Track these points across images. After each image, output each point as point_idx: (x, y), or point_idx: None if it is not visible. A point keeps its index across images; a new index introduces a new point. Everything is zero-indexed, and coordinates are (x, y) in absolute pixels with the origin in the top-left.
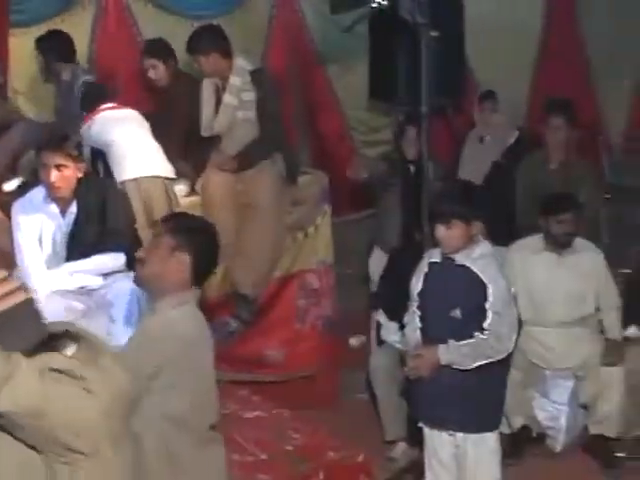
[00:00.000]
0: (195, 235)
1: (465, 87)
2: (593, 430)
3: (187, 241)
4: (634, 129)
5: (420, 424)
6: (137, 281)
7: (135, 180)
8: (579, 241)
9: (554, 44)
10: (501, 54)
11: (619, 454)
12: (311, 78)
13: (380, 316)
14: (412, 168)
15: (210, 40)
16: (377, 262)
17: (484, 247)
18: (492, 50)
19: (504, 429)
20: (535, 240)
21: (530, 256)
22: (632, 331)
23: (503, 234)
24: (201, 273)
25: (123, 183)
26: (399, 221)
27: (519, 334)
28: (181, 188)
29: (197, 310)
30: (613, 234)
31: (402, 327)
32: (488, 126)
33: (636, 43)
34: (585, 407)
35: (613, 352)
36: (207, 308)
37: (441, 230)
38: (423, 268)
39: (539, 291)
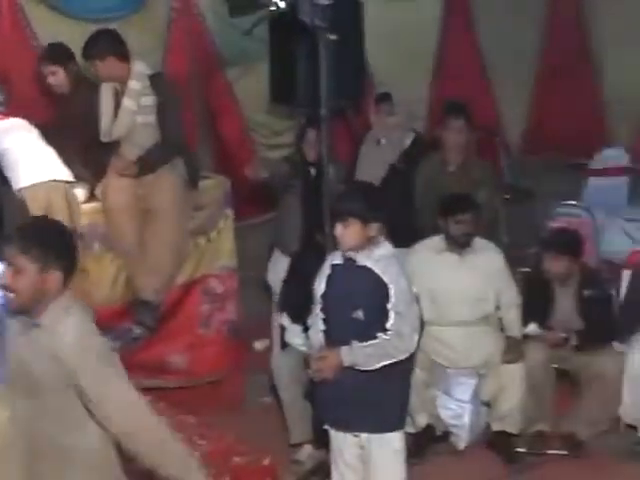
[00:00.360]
0: (54, 248)
1: (364, 89)
2: (495, 427)
3: (51, 258)
4: (532, 130)
5: (325, 426)
6: (9, 310)
7: (33, 186)
8: (479, 241)
9: (451, 46)
10: (400, 56)
11: (520, 449)
12: (211, 82)
13: (284, 319)
14: (312, 170)
15: (106, 44)
16: (277, 265)
17: (385, 248)
18: (391, 52)
19: (409, 428)
20: (436, 241)
21: (431, 256)
22: (531, 328)
23: (404, 236)
24: (70, 274)
25: (20, 191)
26: (299, 223)
27: (421, 334)
28: (79, 193)
29: (84, 305)
30: (512, 234)
31: (306, 330)
32: (384, 129)
33: (534, 44)
34: (488, 404)
35: (513, 350)
36: (110, 315)
37: (339, 228)
38: (326, 270)
39: (440, 291)
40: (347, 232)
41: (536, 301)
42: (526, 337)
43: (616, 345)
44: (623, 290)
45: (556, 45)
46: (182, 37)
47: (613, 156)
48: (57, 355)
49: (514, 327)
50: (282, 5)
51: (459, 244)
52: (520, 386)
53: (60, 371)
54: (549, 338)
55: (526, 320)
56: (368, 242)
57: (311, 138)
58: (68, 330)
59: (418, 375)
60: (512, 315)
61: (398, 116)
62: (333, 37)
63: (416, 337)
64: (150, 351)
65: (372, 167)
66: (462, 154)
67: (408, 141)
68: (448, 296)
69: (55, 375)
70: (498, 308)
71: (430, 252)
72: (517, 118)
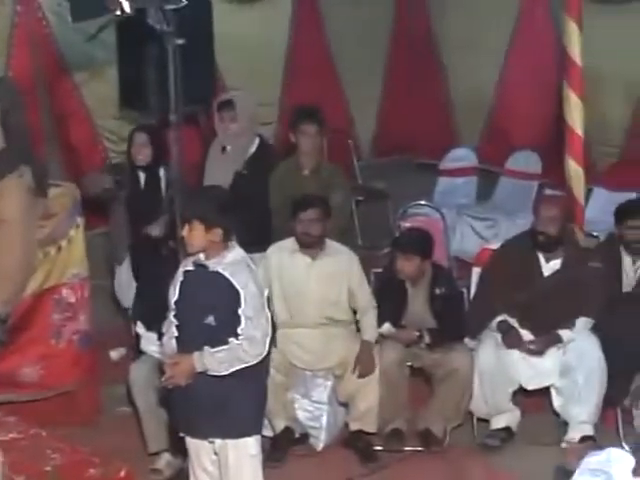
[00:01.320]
0: None
1: (214, 93)
2: (353, 426)
3: None
4: (383, 131)
5: (181, 433)
6: None
7: None
8: (332, 244)
9: (302, 49)
10: (250, 59)
11: (378, 447)
12: (58, 87)
13: (138, 327)
14: (142, 175)
15: None
16: (120, 277)
17: (235, 253)
18: (241, 55)
19: (267, 432)
20: (290, 242)
21: (285, 258)
22: (385, 328)
23: (259, 239)
24: None
25: None
26: (126, 232)
27: (274, 337)
28: None
29: None
30: (366, 235)
31: (161, 337)
32: (228, 136)
33: (382, 48)
34: (345, 405)
35: (365, 357)
36: None
37: (185, 231)
38: (179, 277)
39: (293, 293)
40: (191, 235)
41: (389, 301)
42: (381, 336)
43: (467, 341)
44: (473, 287)
45: (403, 49)
46: (26, 41)
47: (461, 156)
48: None
49: (369, 331)
50: (128, 10)
51: (303, 244)
52: (376, 386)
53: None
54: (402, 337)
55: (380, 320)
56: (216, 247)
57: (139, 141)
58: None
59: (276, 378)
60: (367, 319)
61: (241, 122)
62: (180, 42)
63: (267, 341)
64: (2, 365)
65: (219, 174)
66: (315, 158)
67: (253, 147)
68: (301, 298)
69: None
70: (354, 311)
71: (283, 254)
72: (368, 120)
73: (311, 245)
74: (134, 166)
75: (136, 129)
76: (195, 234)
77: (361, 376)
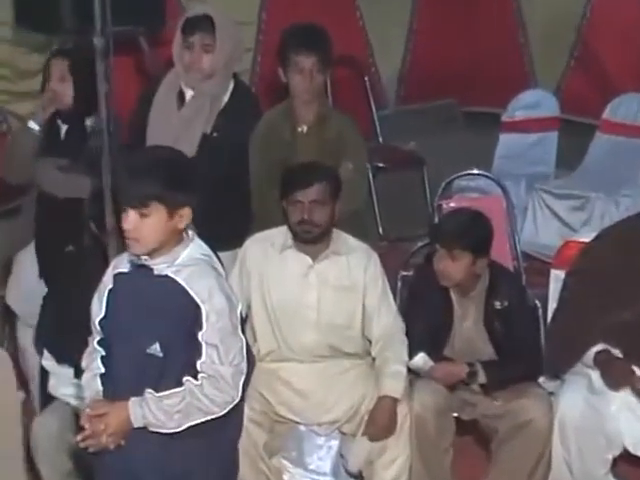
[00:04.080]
0: None
1: (165, 13)
2: None
3: None
4: (416, 67)
5: None
6: None
7: None
8: (342, 237)
9: None
10: None
11: None
12: None
13: (45, 359)
14: (63, 126)
15: None
16: (21, 281)
17: (195, 249)
18: None
19: None
20: (280, 234)
21: (272, 257)
22: (418, 361)
23: (230, 233)
24: None
25: None
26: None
27: (250, 375)
28: None
29: None
30: (390, 221)
31: (79, 373)
32: (194, 74)
33: None
34: (358, 477)
35: (388, 410)
36: None
37: (130, 218)
38: (107, 284)
39: (283, 310)
40: (146, 224)
41: (425, 320)
42: (412, 374)
43: (543, 382)
44: (552, 300)
45: None
46: None
47: (535, 103)
48: None
49: (391, 379)
50: None
51: (302, 238)
52: (405, 448)
53: None
54: (445, 374)
55: (412, 349)
56: (172, 239)
57: (57, 72)
58: None
59: (254, 436)
60: (390, 353)
61: (220, 55)
62: None
63: (241, 382)
64: None
65: (170, 135)
66: (316, 107)
67: (226, 95)
68: (294, 317)
69: None
70: (368, 336)
71: (269, 251)
72: (394, 49)
73: (313, 240)
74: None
75: (53, 55)
76: (151, 223)
77: (374, 439)
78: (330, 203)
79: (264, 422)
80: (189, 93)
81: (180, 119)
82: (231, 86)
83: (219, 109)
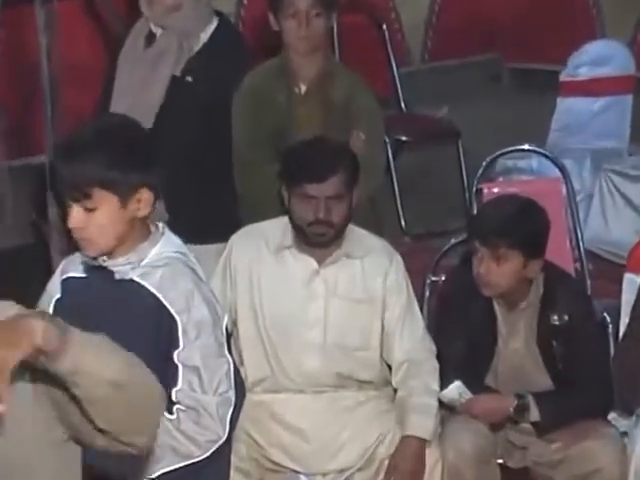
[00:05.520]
0: None
1: None
2: None
3: None
4: (447, 12)
5: None
6: None
7: None
8: (356, 233)
9: None
10: None
11: None
12: None
13: None
14: None
15: None
16: None
17: (167, 245)
18: None
19: None
20: (277, 228)
21: (267, 258)
22: (455, 391)
23: (213, 223)
24: None
25: None
26: None
27: (240, 407)
28: None
29: None
30: (415, 212)
31: None
32: (163, 10)
33: None
34: None
35: (413, 453)
36: None
37: (75, 213)
38: (53, 293)
39: (281, 325)
40: (93, 220)
41: (462, 339)
42: (445, 409)
43: (614, 419)
44: (625, 313)
45: None
46: None
47: (603, 58)
48: None
49: (418, 417)
50: None
51: (312, 241)
52: None
53: None
54: (487, 409)
55: (445, 377)
56: (135, 232)
57: None
58: None
59: None
60: (417, 382)
61: None
62: None
63: (229, 414)
64: None
65: (137, 76)
66: (318, 61)
67: (206, 34)
68: (293, 336)
69: None
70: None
71: (263, 250)
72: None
73: (326, 243)
74: None
75: None
76: (99, 217)
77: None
78: (348, 196)
79: (252, 471)
80: (159, 32)
81: (145, 61)
82: (213, 25)
83: (194, 50)
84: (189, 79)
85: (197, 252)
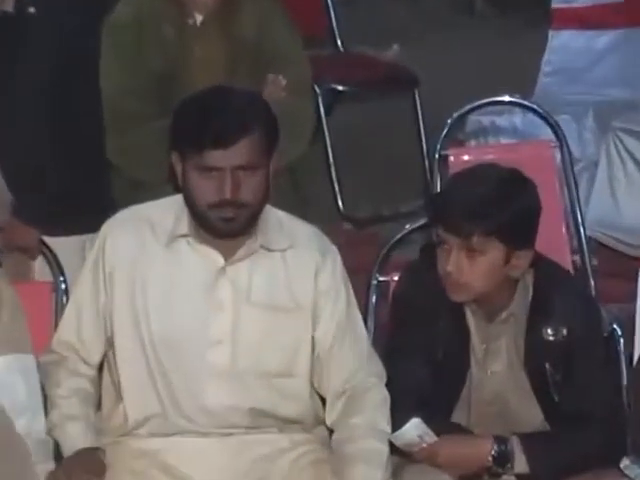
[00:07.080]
0: None
1: None
2: None
3: None
4: None
5: None
6: None
7: None
8: (277, 216)
9: None
10: None
11: None
12: None
13: None
14: None
15: None
16: None
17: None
18: None
19: None
20: (167, 212)
21: (154, 253)
22: (412, 431)
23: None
24: None
25: None
26: None
27: None
28: None
29: None
30: (356, 188)
31: None
32: None
33: None
34: None
35: None
36: None
37: None
38: None
39: (175, 346)
40: None
41: (419, 360)
42: (399, 454)
43: (626, 467)
44: None
45: None
46: None
47: None
48: None
49: (362, 454)
50: None
51: (219, 232)
52: None
53: None
54: (456, 456)
55: (399, 413)
56: None
57: None
58: None
59: None
60: (356, 418)
61: None
62: None
63: None
64: None
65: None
66: None
67: None
68: (191, 358)
69: None
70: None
71: (147, 241)
72: None
73: (237, 231)
74: None
75: None
76: None
77: None
78: (264, 166)
79: None
80: (31, 9)
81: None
82: None
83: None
84: (32, 10)
85: (54, 246)
